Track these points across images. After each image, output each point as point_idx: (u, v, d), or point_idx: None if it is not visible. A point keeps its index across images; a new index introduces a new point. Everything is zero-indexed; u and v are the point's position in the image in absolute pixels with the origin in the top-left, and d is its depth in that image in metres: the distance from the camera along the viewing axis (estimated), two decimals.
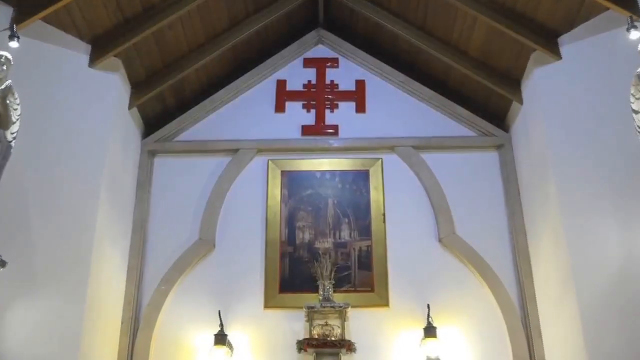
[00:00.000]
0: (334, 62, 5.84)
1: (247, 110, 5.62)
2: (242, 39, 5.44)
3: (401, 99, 5.65)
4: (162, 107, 5.57)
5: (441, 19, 5.20)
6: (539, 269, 4.83)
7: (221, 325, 4.79)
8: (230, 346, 4.75)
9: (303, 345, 4.66)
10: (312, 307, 4.74)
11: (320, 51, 5.91)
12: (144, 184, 5.30)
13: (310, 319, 4.76)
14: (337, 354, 4.67)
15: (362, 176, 5.36)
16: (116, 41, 4.75)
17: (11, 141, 3.72)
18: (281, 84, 5.74)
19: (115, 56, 4.83)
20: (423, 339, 4.70)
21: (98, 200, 4.49)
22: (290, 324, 4.88)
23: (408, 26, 5.38)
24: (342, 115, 5.62)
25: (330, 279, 4.91)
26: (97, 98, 4.73)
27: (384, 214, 5.21)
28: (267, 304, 4.96)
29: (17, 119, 3.74)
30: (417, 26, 5.37)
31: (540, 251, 4.80)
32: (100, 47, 4.75)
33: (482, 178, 5.35)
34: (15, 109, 3.74)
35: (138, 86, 5.20)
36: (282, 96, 5.68)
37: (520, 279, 4.96)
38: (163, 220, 5.25)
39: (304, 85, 5.75)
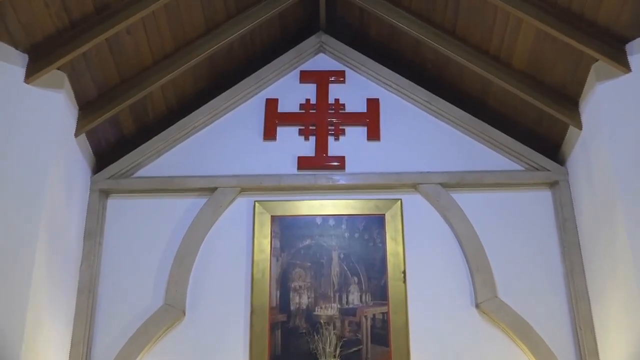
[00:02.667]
0: (340, 75, 5.87)
1: (228, 138, 5.63)
2: (221, 46, 5.45)
3: (426, 123, 5.66)
4: (118, 134, 5.57)
5: (477, 22, 5.22)
6: (607, 343, 4.76)
7: None
8: None
9: None
10: None
11: (322, 62, 5.94)
12: (93, 233, 5.27)
13: None
14: None
15: (376, 222, 5.35)
16: (60, 50, 4.74)
17: None
18: (271, 103, 5.75)
19: (58, 69, 4.82)
20: None
21: (34, 255, 4.43)
22: None
23: (434, 30, 5.40)
24: (350, 143, 5.62)
25: (335, 357, 4.85)
26: (34, 122, 4.70)
27: (404, 272, 5.18)
28: None
29: None
30: (446, 30, 5.39)
31: (608, 320, 4.74)
32: (39, 58, 4.74)
33: (531, 225, 5.34)
34: None
35: (88, 107, 5.20)
36: (273, 119, 5.69)
37: (582, 356, 4.90)
38: (118, 279, 5.21)
39: (301, 106, 5.76)
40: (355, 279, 5.19)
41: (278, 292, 5.15)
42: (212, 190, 5.43)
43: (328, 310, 5.11)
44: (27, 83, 4.72)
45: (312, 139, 5.64)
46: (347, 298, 5.14)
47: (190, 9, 5.22)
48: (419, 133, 5.62)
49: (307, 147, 5.61)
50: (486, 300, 5.08)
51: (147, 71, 5.32)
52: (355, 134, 5.66)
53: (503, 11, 4.98)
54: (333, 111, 5.73)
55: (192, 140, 5.63)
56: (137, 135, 5.62)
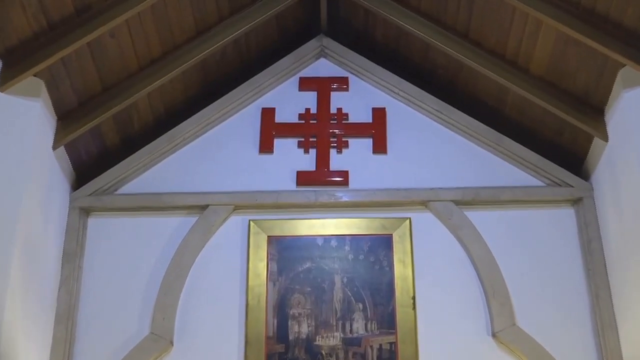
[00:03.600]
0: (342, 82, 5.87)
1: (220, 151, 5.62)
2: (213, 51, 5.45)
3: (437, 135, 5.65)
4: (101, 146, 5.56)
5: (492, 24, 5.22)
6: None
7: None
8: None
9: None
10: None
11: (323, 67, 5.94)
12: (73, 255, 5.25)
13: None
14: None
15: (383, 243, 5.32)
16: (37, 55, 4.72)
17: None
18: (268, 113, 5.74)
19: (35, 75, 4.81)
20: None
21: (7, 280, 4.40)
22: None
23: (446, 33, 5.40)
24: (354, 157, 5.61)
25: None
26: (8, 134, 4.70)
27: (413, 298, 5.15)
28: None
29: None
30: (459, 33, 5.39)
31: (638, 352, 4.71)
32: (14, 63, 4.73)
33: (552, 246, 5.32)
34: None
35: (67, 117, 5.19)
36: (270, 130, 5.69)
37: None
38: (100, 306, 5.19)
39: (300, 116, 5.76)
40: (360, 305, 5.16)
41: (275, 320, 5.12)
42: (203, 208, 5.41)
43: (330, 340, 5.07)
44: (1, 91, 4.71)
45: (313, 152, 5.63)
46: (351, 326, 5.11)
47: (179, 10, 5.21)
48: (429, 145, 5.61)
49: (307, 161, 5.60)
50: (504, 328, 5.04)
51: (133, 78, 5.30)
52: (360, 146, 5.65)
53: (521, 12, 4.97)
54: (335, 121, 5.72)
55: (181, 154, 5.62)
56: (121, 148, 5.61)
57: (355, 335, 5.09)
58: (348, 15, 5.90)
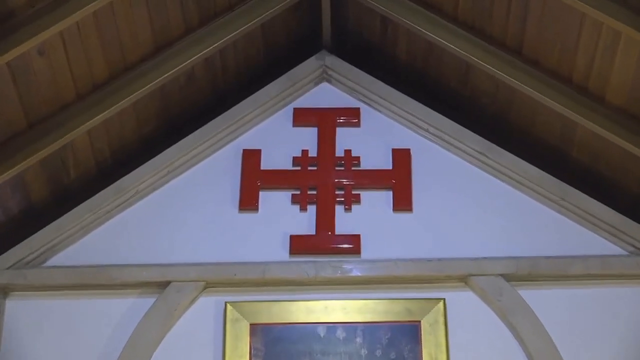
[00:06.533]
0: (352, 115, 5.86)
1: (187, 208, 5.60)
2: (177, 73, 5.45)
3: (480, 186, 5.63)
4: (24, 202, 5.52)
5: (553, 37, 5.18)
6: None
7: None
8: None
9: None
10: None
11: (326, 95, 5.95)
12: None
13: None
14: None
15: (408, 333, 5.26)
16: None
17: None
18: (252, 157, 5.72)
19: None
20: None
21: None
22: None
23: (491, 49, 5.39)
24: (368, 216, 5.57)
25: None
26: None
27: None
28: None
29: None
30: (509, 49, 5.37)
31: None
32: None
33: (635, 334, 5.24)
34: None
35: None
36: (254, 180, 5.65)
37: None
38: None
39: (295, 160, 5.73)
40: None
41: None
42: (164, 285, 5.35)
43: None
44: None
45: (312, 209, 5.59)
46: None
47: (132, 19, 5.18)
48: (470, 200, 5.59)
49: (305, 222, 5.56)
50: None
51: (68, 109, 5.28)
52: (376, 201, 5.62)
53: (593, 20, 4.91)
54: (342, 168, 5.69)
55: (133, 212, 5.59)
56: (52, 204, 5.59)
57: None
58: (359, 25, 5.91)
